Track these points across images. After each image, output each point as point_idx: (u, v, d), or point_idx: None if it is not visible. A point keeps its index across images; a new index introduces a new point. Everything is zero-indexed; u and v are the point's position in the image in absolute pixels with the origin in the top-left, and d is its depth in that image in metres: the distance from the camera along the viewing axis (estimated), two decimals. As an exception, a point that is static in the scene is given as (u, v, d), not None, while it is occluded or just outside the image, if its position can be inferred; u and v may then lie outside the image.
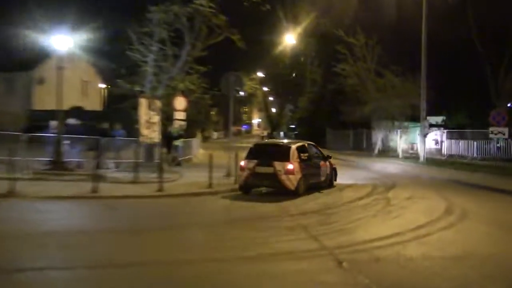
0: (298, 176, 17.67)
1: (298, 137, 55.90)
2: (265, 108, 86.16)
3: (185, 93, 28.55)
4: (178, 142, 28.16)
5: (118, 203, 14.78)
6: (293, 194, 17.38)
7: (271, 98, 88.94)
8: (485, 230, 11.99)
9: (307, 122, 62.89)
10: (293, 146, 18.46)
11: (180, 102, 27.51)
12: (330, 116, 57.07)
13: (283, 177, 17.48)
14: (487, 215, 14.08)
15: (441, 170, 27.13)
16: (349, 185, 20.79)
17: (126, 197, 15.79)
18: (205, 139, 71.92)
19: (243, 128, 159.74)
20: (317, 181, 19.00)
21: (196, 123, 48.62)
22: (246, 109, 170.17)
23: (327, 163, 20.01)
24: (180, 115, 27.66)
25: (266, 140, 22.26)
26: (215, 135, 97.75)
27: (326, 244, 10.36)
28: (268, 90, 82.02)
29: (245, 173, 18.05)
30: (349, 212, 14.32)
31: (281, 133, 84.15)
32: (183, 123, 27.92)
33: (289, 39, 55.82)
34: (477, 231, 11.89)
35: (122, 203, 14.86)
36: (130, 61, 25.72)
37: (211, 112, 77.56)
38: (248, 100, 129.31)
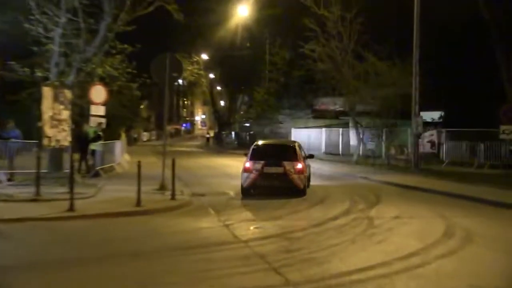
0: (305, 175, 23.12)
1: (253, 139, 57.31)
2: (211, 101, 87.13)
3: (105, 81, 28.22)
4: (95, 146, 27.88)
5: (10, 229, 14.46)
6: (303, 193, 22.59)
7: (219, 88, 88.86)
8: (493, 257, 12.14)
9: (266, 119, 63.06)
10: (296, 145, 24.26)
11: (98, 93, 27.31)
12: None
13: (294, 176, 22.63)
14: (496, 238, 14.30)
15: (438, 181, 27.43)
16: (320, 200, 20.90)
17: (21, 220, 15.48)
18: (132, 141, 72.56)
19: (183, 127, 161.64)
20: (308, 181, 24.47)
21: (120, 120, 49.02)
22: (187, 102, 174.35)
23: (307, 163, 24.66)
24: (98, 110, 27.44)
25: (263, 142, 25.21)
26: (145, 136, 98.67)
27: (290, 278, 10.35)
28: (215, 78, 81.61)
29: (253, 175, 22.80)
30: (319, 235, 14.29)
31: (232, 134, 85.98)
32: (102, 120, 27.61)
33: (243, 11, 55.79)
34: (484, 258, 12.04)
35: (15, 229, 14.55)
36: (28, 37, 24.80)
37: (140, 106, 79.93)
38: (189, 91, 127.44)
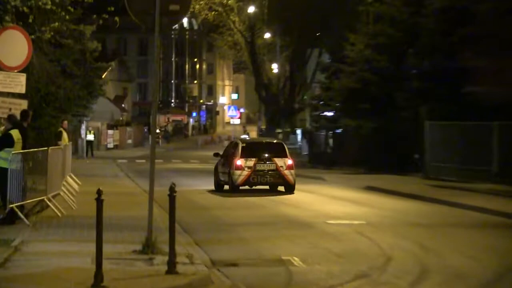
0: (295, 171, 25.64)
1: (345, 146, 40.55)
2: (251, 65, 51.08)
3: (25, 21, 17.12)
4: (7, 161, 15.46)
5: None
6: (293, 189, 25.44)
7: (267, 37, 53.07)
8: None
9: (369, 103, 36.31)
10: (284, 143, 27.80)
11: (11, 45, 16.42)
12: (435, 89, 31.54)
13: (286, 172, 25.08)
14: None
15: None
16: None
17: None
18: (87, 149, 52.74)
19: (193, 117, 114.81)
20: None
21: (60, 105, 29.31)
22: (202, 66, 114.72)
23: None
24: (12, 83, 16.68)
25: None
26: (112, 137, 68.68)
27: None
28: (257, 16, 48.51)
29: (245, 172, 24.79)
30: None
31: (297, 134, 57.53)
32: (18, 104, 17.01)
33: None
34: None
35: None
36: None
37: (102, 77, 45.64)
38: (204, 44, 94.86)
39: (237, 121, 62.92)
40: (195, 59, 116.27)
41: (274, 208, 21.51)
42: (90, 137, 53.74)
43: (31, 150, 16.59)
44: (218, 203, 23.00)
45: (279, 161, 24.70)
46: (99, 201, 9.99)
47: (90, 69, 34.31)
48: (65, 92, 28.48)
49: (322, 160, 43.78)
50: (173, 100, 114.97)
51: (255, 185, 25.14)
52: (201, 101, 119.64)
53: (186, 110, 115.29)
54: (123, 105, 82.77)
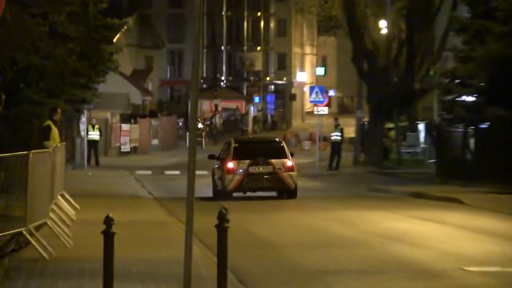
0: (296, 173, 23.73)
1: (499, 144, 28.13)
2: (347, 22, 38.93)
3: None
4: None
5: None
6: (294, 194, 23.45)
7: None
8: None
9: None
10: (283, 141, 25.60)
11: None
12: None
13: (285, 175, 23.02)
14: None
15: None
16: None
17: None
18: (92, 153, 38.90)
19: (257, 103, 79.64)
20: None
21: (44, 83, 21.83)
22: (269, 22, 79.55)
23: None
24: None
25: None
26: (131, 134, 49.38)
27: None
28: None
29: (238, 176, 22.78)
30: None
31: (420, 131, 43.50)
32: None
33: None
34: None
35: None
36: None
37: (113, 41, 35.97)
38: None
39: (325, 110, 40.53)
40: (258, 13, 79.33)
41: (380, 246, 14.56)
42: (94, 135, 38.90)
43: (1, 155, 11.41)
44: (289, 237, 16.25)
45: (276, 163, 23.03)
46: (108, 236, 7.54)
47: (94, 28, 24.86)
48: (55, 64, 20.26)
49: (457, 172, 29.54)
50: (223, 78, 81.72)
51: (250, 191, 23.36)
52: (268, 78, 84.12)
53: (245, 92, 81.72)
54: (145, 85, 60.71)
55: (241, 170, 22.89)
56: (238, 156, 23.23)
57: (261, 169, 23.04)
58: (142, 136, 51.20)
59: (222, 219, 8.05)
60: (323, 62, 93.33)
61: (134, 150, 49.77)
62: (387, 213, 20.62)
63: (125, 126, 48.67)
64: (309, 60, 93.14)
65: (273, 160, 23.11)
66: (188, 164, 8.66)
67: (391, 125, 42.48)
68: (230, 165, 22.95)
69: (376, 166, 38.45)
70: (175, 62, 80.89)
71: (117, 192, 27.15)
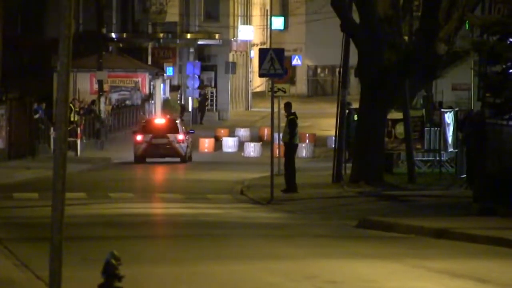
0: (186, 145, 35.47)
1: None
2: None
3: None
4: None
5: None
6: (185, 160, 35.42)
7: None
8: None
9: None
10: (178, 121, 38.21)
11: None
12: None
13: (177, 145, 34.75)
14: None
15: None
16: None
17: None
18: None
19: (169, 77, 56.89)
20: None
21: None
22: None
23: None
24: None
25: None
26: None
27: None
28: None
29: (143, 145, 34.53)
30: None
31: (448, 124, 28.94)
32: None
33: None
34: None
35: None
36: None
37: None
38: None
39: (285, 90, 30.51)
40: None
41: None
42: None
43: None
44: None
45: (171, 136, 34.82)
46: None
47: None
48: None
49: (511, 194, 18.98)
50: (114, 35, 53.49)
51: (152, 157, 35.19)
52: (189, 36, 58.25)
53: (149, 60, 55.40)
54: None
55: (146, 142, 34.59)
56: (144, 131, 35.37)
57: (159, 140, 34.66)
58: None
59: (110, 275, 6.31)
60: (282, 9, 63.69)
61: None
62: (392, 264, 12.71)
63: None
64: (258, 5, 63.66)
65: (168, 134, 34.85)
66: (53, 182, 6.26)
67: (398, 114, 27.64)
68: (139, 137, 34.99)
69: (372, 185, 25.15)
70: (29, 6, 49.49)
71: None
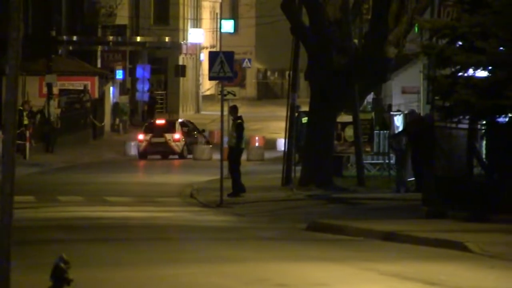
0: (182, 143, 40.53)
1: None
2: None
3: None
4: None
5: None
6: (182, 156, 40.03)
7: None
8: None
9: None
10: (176, 122, 43.71)
11: None
12: None
13: (173, 144, 39.48)
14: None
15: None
16: None
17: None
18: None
19: (118, 81, 55.57)
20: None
21: None
22: None
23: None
24: None
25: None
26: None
27: None
28: None
29: (144, 143, 39.54)
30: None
31: (397, 127, 29.69)
32: None
33: None
34: None
35: None
36: None
37: None
38: None
39: (235, 93, 29.54)
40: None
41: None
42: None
43: None
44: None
45: (168, 136, 39.50)
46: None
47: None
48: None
49: (459, 196, 19.46)
50: (64, 38, 52.97)
51: (152, 154, 40.12)
52: (139, 39, 58.23)
53: (99, 63, 54.85)
54: None
55: (146, 140, 39.66)
56: (146, 131, 40.71)
57: (157, 139, 39.41)
58: None
59: (58, 279, 6.10)
60: (232, 12, 64.54)
61: None
62: (342, 266, 12.83)
63: None
64: (208, 8, 64.29)
65: (166, 134, 39.60)
66: (2, 185, 6.07)
67: (347, 117, 27.76)
68: (140, 137, 40.60)
69: (322, 188, 25.24)
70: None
71: None
